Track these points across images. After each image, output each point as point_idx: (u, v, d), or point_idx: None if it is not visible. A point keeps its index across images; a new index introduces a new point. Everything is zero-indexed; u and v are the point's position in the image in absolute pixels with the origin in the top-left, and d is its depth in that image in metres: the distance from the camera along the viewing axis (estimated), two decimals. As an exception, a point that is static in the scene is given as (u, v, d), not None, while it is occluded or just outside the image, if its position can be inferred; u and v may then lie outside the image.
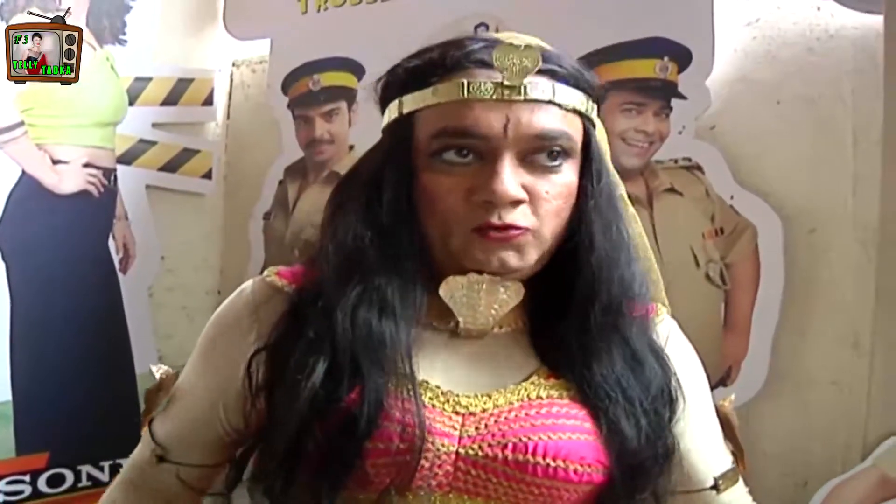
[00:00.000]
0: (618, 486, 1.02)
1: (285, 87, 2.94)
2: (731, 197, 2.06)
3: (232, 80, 3.16)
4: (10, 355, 2.55)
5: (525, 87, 0.99)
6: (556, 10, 2.30)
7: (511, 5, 2.40)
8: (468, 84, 1.00)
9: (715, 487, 1.14)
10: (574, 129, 1.03)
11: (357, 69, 2.75)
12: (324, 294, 1.05)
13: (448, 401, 1.03)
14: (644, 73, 2.17)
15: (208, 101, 3.06)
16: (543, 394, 1.04)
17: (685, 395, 1.10)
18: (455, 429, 1.01)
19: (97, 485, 2.64)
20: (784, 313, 1.98)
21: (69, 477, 2.63)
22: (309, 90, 2.86)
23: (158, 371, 1.24)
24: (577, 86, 1.04)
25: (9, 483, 2.53)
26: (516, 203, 1.00)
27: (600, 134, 1.12)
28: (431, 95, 1.02)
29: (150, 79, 2.91)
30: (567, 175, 1.03)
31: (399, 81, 1.07)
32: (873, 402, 1.84)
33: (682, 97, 2.12)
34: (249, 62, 3.13)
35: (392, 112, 1.08)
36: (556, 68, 1.02)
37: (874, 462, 1.79)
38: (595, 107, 1.08)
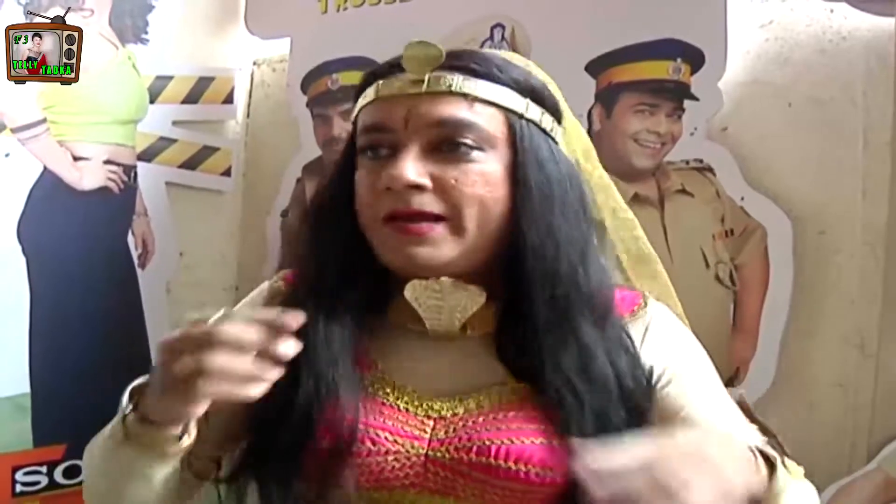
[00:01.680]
0: (578, 485, 1.03)
1: (304, 86, 2.96)
2: (742, 198, 2.06)
3: (252, 79, 3.19)
4: (28, 348, 2.58)
5: (427, 80, 1.05)
6: (570, 11, 2.31)
7: (526, 7, 2.42)
8: (381, 84, 1.08)
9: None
10: (489, 121, 1.06)
11: (375, 69, 2.75)
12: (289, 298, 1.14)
13: (421, 405, 1.08)
14: (657, 75, 2.18)
15: (228, 100, 3.08)
16: (514, 398, 1.07)
17: (672, 369, 1.10)
18: (426, 432, 1.05)
19: (113, 477, 2.66)
20: (792, 315, 1.98)
21: (85, 469, 2.65)
22: (328, 89, 2.88)
23: None
24: (496, 80, 1.07)
25: (26, 474, 2.56)
26: (418, 188, 1.04)
27: (573, 141, 1.17)
28: (362, 100, 1.11)
29: (171, 77, 2.93)
30: (485, 165, 1.06)
31: (355, 93, 1.15)
32: (879, 404, 1.84)
33: (695, 98, 2.12)
34: (270, 61, 3.15)
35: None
36: (470, 64, 1.07)
37: (879, 464, 1.79)
38: (535, 107, 1.10)
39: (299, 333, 0.95)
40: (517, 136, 1.08)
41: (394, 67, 1.08)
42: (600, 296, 1.10)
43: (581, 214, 1.12)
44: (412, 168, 1.03)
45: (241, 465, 1.12)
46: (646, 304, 1.18)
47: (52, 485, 2.60)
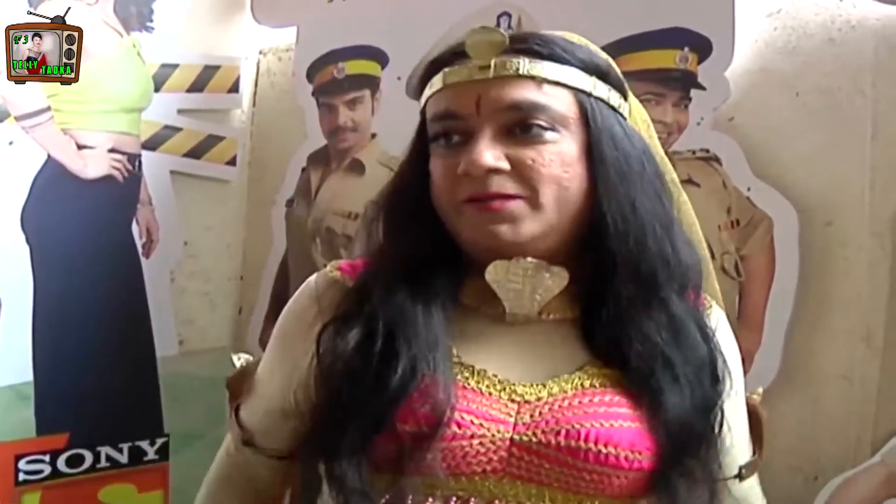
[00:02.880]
0: (667, 467, 1.04)
1: (310, 74, 2.95)
2: (748, 189, 2.03)
3: (258, 68, 3.18)
4: (32, 337, 2.60)
5: (494, 65, 1.06)
6: (576, 0, 2.29)
7: (533, -6, 2.40)
8: (447, 72, 1.09)
9: (738, 476, 1.18)
10: (559, 101, 1.07)
11: (381, 57, 2.74)
12: (369, 281, 1.14)
13: (504, 389, 1.07)
14: (664, 64, 2.15)
15: (234, 89, 3.08)
16: (597, 382, 1.07)
17: (733, 379, 1.12)
18: (510, 416, 1.05)
19: (116, 466, 2.68)
20: (798, 306, 1.96)
21: (88, 458, 2.66)
22: (333, 78, 2.87)
23: (239, 360, 1.32)
24: (561, 61, 1.08)
25: (29, 462, 2.57)
26: (496, 172, 1.04)
27: (639, 120, 1.20)
28: (428, 90, 1.13)
29: (176, 65, 2.93)
30: (560, 145, 1.07)
31: (418, 82, 1.16)
32: (884, 397, 1.82)
33: (702, 88, 2.10)
34: (276, 50, 3.14)
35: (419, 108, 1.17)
36: (534, 46, 1.07)
37: (882, 458, 1.77)
38: (602, 85, 1.11)
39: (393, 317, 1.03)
40: (589, 115, 1.09)
41: (458, 55, 1.09)
42: (688, 269, 1.13)
43: (661, 189, 1.14)
44: (489, 152, 1.04)
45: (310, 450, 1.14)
46: (711, 304, 1.21)
47: (55, 473, 2.61)
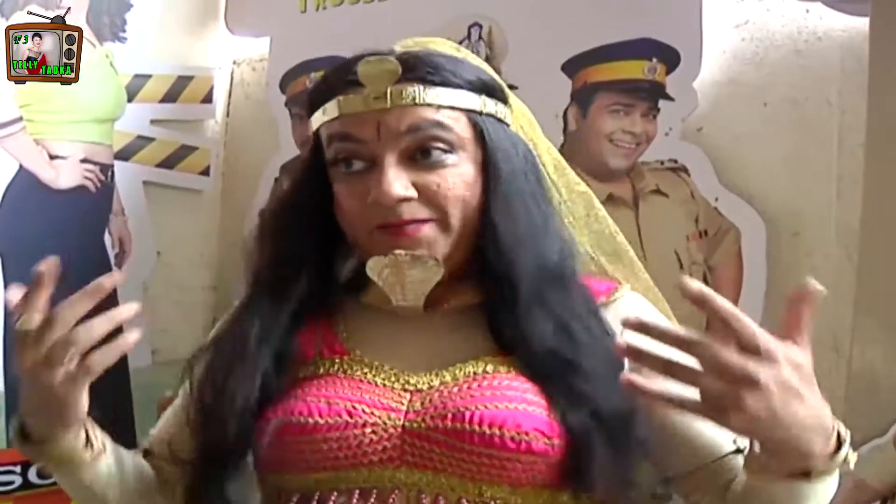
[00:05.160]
0: (574, 455, 1.03)
1: (283, 85, 2.95)
2: (716, 199, 2.05)
3: (232, 78, 3.18)
4: (3, 347, 2.57)
5: (390, 94, 1.07)
6: (547, 10, 2.31)
7: (503, 6, 2.43)
8: (342, 101, 1.10)
9: (738, 451, 1.09)
10: (456, 124, 1.10)
11: (354, 68, 2.75)
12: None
13: (398, 380, 1.10)
14: (632, 75, 2.17)
15: (207, 99, 3.08)
16: (490, 368, 1.09)
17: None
18: (402, 404, 1.07)
19: (87, 477, 2.65)
20: (766, 316, 1.97)
21: (60, 469, 2.64)
22: (306, 88, 2.87)
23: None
24: (452, 85, 1.11)
25: (0, 474, 2.55)
26: (406, 200, 1.08)
27: (521, 121, 1.22)
28: (322, 115, 1.13)
29: (149, 76, 2.92)
30: (460, 167, 1.10)
31: (308, 104, 1.17)
32: (851, 406, 1.82)
33: (670, 98, 2.12)
34: (250, 60, 3.14)
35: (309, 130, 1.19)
36: (425, 74, 1.09)
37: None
38: (490, 101, 1.14)
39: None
40: (484, 134, 1.12)
41: (351, 83, 1.10)
42: (564, 265, 1.15)
43: (540, 194, 1.17)
44: (397, 183, 1.07)
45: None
46: (621, 293, 1.21)
47: (26, 485, 2.58)
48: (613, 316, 1.15)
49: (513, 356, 1.10)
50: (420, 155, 1.09)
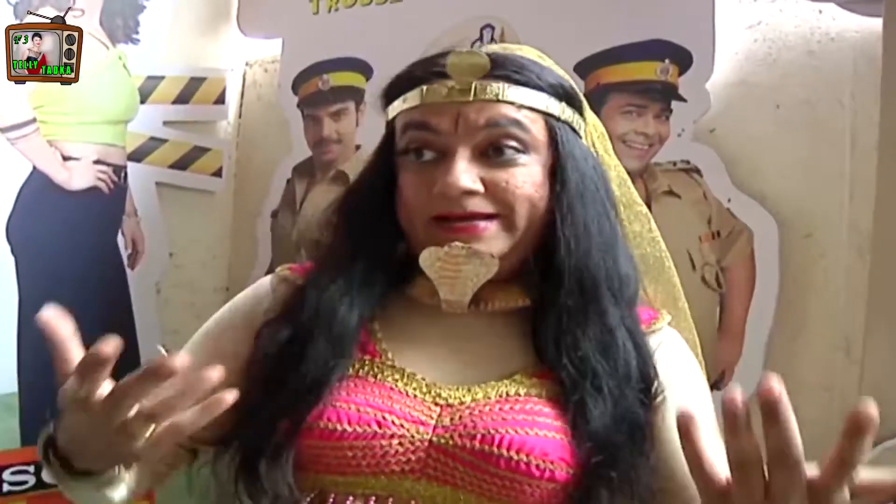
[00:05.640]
0: (588, 481, 1.04)
1: (296, 86, 2.96)
2: (729, 200, 2.05)
3: (244, 80, 3.19)
4: (17, 348, 2.59)
5: (475, 89, 1.09)
6: (559, 12, 2.31)
7: (516, 7, 2.42)
8: (426, 90, 1.12)
9: None
10: (532, 125, 1.12)
11: (366, 69, 2.76)
12: (308, 283, 1.19)
13: (429, 392, 1.10)
14: (645, 76, 2.17)
15: (220, 100, 3.09)
16: (522, 391, 1.09)
17: (672, 391, 1.12)
18: (432, 418, 1.08)
19: (100, 477, 2.66)
20: (778, 318, 1.97)
21: (73, 469, 2.65)
22: (318, 90, 2.88)
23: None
24: (536, 87, 1.12)
25: (13, 473, 2.56)
26: (472, 193, 1.08)
27: (594, 135, 1.24)
28: (402, 103, 1.15)
29: (162, 77, 2.94)
30: (531, 168, 1.11)
31: (386, 93, 1.19)
32: (863, 407, 1.82)
33: (683, 100, 2.11)
34: (262, 62, 3.15)
35: (385, 119, 1.20)
36: (510, 73, 1.11)
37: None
38: (568, 109, 1.16)
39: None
40: (557, 139, 1.13)
41: (437, 74, 1.12)
42: (627, 283, 1.16)
43: (609, 206, 1.18)
44: (466, 175, 1.08)
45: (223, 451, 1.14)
46: (661, 324, 1.22)
47: (40, 484, 2.59)
48: (653, 343, 1.17)
49: (547, 374, 1.11)
50: (493, 152, 1.10)
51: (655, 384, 1.12)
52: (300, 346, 1.10)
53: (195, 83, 3.02)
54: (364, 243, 1.17)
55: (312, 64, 2.90)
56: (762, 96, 2.06)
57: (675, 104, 2.12)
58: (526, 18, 2.38)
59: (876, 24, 1.90)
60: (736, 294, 2.03)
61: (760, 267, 2.00)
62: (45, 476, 2.47)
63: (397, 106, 1.16)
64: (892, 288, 1.82)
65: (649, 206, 2.10)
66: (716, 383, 1.99)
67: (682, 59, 2.11)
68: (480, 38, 2.46)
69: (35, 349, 2.57)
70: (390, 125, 1.18)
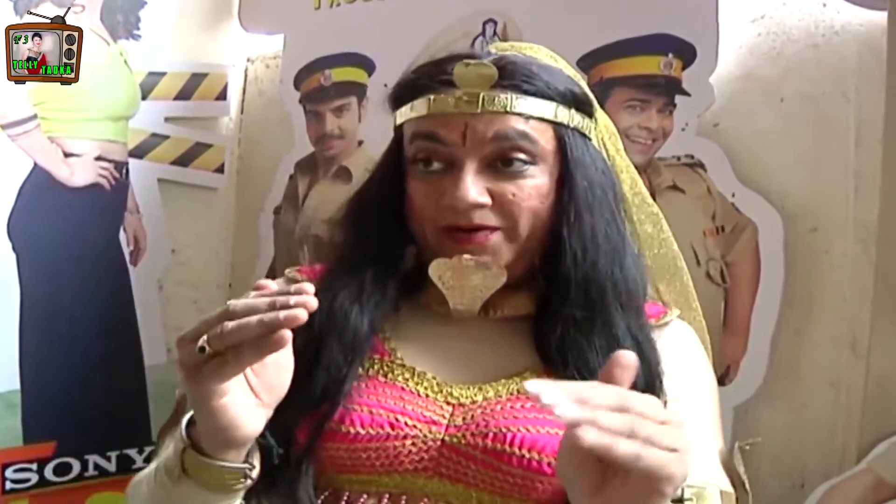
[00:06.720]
0: None
1: (297, 82, 2.95)
2: (733, 195, 2.04)
3: (246, 76, 3.18)
4: (19, 345, 2.59)
5: (483, 100, 1.08)
6: (561, 6, 2.30)
7: (518, 2, 2.41)
8: (433, 100, 1.11)
9: (680, 500, 1.06)
10: (541, 136, 1.11)
11: (368, 65, 2.75)
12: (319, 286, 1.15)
13: (441, 391, 1.10)
14: (648, 70, 2.16)
15: (222, 96, 3.09)
16: None
17: (673, 391, 1.11)
18: (444, 417, 1.08)
19: (103, 474, 2.68)
20: (783, 313, 1.96)
21: (76, 466, 2.67)
22: (320, 85, 2.88)
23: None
24: (544, 96, 1.10)
25: (16, 471, 2.56)
26: (480, 206, 1.08)
27: (605, 135, 1.22)
28: (409, 111, 1.14)
29: (163, 73, 2.94)
30: (537, 179, 1.11)
31: (393, 97, 1.19)
32: (870, 403, 1.81)
33: (686, 94, 2.10)
34: (264, 58, 3.15)
35: (393, 124, 1.20)
36: (519, 82, 1.10)
37: (869, 464, 1.76)
38: (578, 115, 1.14)
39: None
40: (566, 148, 1.12)
41: (445, 83, 1.11)
42: (635, 291, 1.15)
43: (617, 213, 1.17)
44: (474, 188, 1.07)
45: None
46: (670, 318, 1.22)
47: (42, 482, 2.60)
48: (659, 340, 1.16)
49: (554, 375, 1.09)
50: (501, 163, 1.09)
51: (661, 396, 1.09)
52: (314, 354, 1.09)
53: (197, 79, 3.01)
54: (374, 248, 1.17)
55: (314, 59, 2.90)
56: (766, 90, 2.04)
57: (678, 98, 2.11)
58: (529, 13, 2.37)
59: (881, 17, 1.89)
60: (741, 289, 2.02)
61: (765, 262, 1.99)
62: (48, 473, 2.47)
63: (405, 113, 1.15)
64: (897, 282, 1.82)
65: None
66: (721, 379, 1.98)
67: (686, 53, 2.10)
68: (483, 33, 2.45)
69: (37, 347, 2.58)
70: (398, 131, 1.18)
